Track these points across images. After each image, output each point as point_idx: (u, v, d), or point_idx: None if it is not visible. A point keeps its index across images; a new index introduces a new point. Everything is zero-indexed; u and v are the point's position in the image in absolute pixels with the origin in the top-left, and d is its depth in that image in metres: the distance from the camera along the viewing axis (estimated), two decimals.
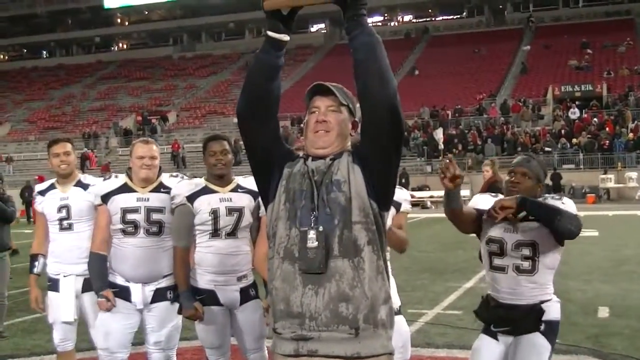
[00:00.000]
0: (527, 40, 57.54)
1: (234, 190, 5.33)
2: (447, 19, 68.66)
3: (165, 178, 5.53)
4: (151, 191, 5.40)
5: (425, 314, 9.83)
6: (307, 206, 3.10)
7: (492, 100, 46.30)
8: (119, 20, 78.48)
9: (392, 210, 4.80)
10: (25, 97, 66.69)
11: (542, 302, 4.62)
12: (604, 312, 9.86)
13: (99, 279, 5.40)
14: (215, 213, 5.21)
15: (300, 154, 3.32)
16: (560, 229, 4.36)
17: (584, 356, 7.57)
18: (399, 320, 4.87)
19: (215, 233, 5.24)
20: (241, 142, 3.45)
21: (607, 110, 40.84)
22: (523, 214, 4.44)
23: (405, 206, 5.19)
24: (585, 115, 40.52)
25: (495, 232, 4.62)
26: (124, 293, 5.36)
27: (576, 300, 10.70)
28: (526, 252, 4.55)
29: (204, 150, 5.36)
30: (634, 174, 33.88)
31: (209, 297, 5.25)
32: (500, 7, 65.68)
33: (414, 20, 69.04)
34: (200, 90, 62.00)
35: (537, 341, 4.56)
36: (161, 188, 5.43)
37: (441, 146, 39.49)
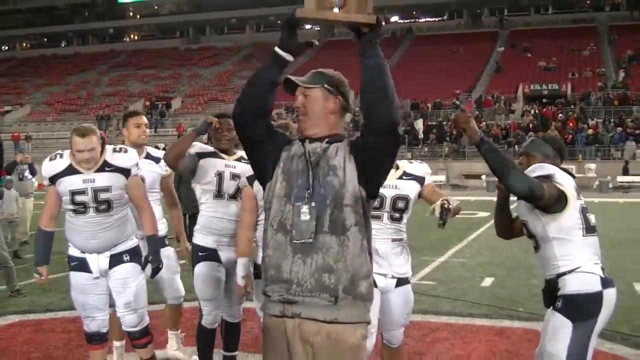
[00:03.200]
0: (501, 42, 57.54)
1: (238, 160, 5.41)
2: (430, 20, 68.58)
3: (109, 154, 5.12)
4: (96, 171, 5.04)
5: None
6: (302, 184, 3.12)
7: (468, 95, 46.37)
8: (131, 14, 78.09)
9: (417, 186, 4.96)
10: (44, 82, 66.42)
11: (560, 275, 4.08)
12: None
13: (40, 254, 5.26)
14: (220, 176, 5.31)
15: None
16: (506, 183, 4.03)
17: (541, 322, 7.62)
18: (408, 289, 5.06)
19: (219, 194, 5.33)
20: None
21: (571, 107, 40.90)
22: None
23: (429, 179, 5.07)
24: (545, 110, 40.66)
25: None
26: (81, 265, 5.17)
27: (539, 275, 10.68)
28: (526, 231, 4.30)
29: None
30: (592, 165, 34.10)
31: (212, 254, 5.35)
32: (478, 11, 65.61)
33: (400, 21, 68.84)
34: (203, 79, 61.83)
35: (552, 318, 4.07)
36: (106, 167, 5.07)
37: (421, 135, 39.62)
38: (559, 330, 4.01)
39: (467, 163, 37.30)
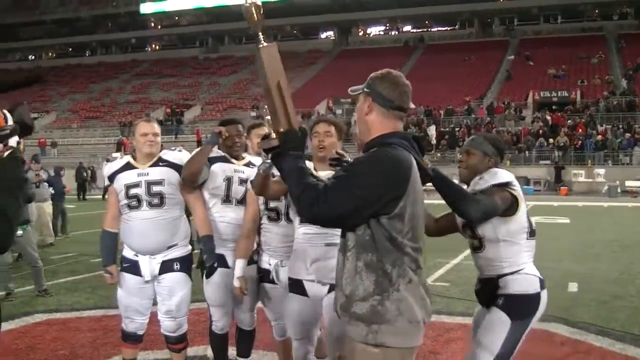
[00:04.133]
0: (511, 51, 57.36)
1: (247, 165, 5.34)
2: (442, 29, 68.40)
3: (165, 153, 5.27)
4: (150, 166, 5.17)
5: None
6: None
7: (479, 102, 46.17)
8: (152, 24, 78.38)
9: None
10: (69, 90, 66.82)
11: (501, 276, 4.14)
12: (573, 287, 9.93)
13: (106, 254, 5.24)
14: (229, 181, 5.23)
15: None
16: (458, 211, 4.00)
17: (556, 324, 7.61)
18: (543, 294, 4.27)
19: (227, 199, 5.24)
20: None
21: (579, 114, 40.71)
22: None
23: None
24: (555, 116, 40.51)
25: None
26: (133, 268, 5.16)
27: (549, 277, 10.63)
28: (469, 231, 4.24)
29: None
30: (601, 171, 33.88)
31: (220, 260, 5.18)
32: (489, 20, 65.43)
33: (412, 30, 68.73)
34: (222, 87, 61.96)
35: (492, 316, 4.13)
36: (160, 162, 5.19)
37: (433, 141, 39.50)
38: (497, 326, 4.09)
39: None
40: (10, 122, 2.73)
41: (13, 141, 2.71)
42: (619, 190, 31.03)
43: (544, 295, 4.20)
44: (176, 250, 5.22)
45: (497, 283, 4.15)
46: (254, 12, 3.04)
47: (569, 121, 39.40)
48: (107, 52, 78.71)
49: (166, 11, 73.65)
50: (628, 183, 32.51)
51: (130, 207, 5.10)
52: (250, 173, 5.05)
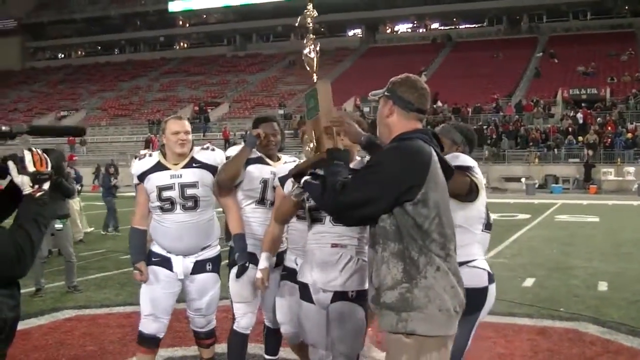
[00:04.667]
0: (540, 48, 56.93)
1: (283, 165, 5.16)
2: (470, 27, 67.97)
3: (197, 152, 5.12)
4: (184, 167, 5.01)
5: None
6: None
7: (507, 100, 45.92)
8: (180, 23, 78.72)
9: None
10: (98, 88, 67.45)
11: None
12: (603, 286, 9.84)
13: (136, 252, 5.11)
14: (265, 183, 5.06)
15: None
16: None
17: (585, 323, 7.56)
18: (350, 308, 4.12)
19: (261, 201, 5.10)
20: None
21: (609, 111, 40.29)
22: None
23: None
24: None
25: None
26: (165, 262, 5.06)
27: (579, 276, 10.67)
28: None
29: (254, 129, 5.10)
30: (631, 169, 33.59)
31: (252, 259, 4.93)
32: (517, 17, 64.95)
33: (440, 28, 68.48)
34: (250, 85, 62.15)
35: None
36: (193, 163, 5.04)
37: None
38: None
39: (507, 166, 37.00)
40: (50, 167, 2.85)
41: (46, 185, 2.84)
42: None
43: (492, 288, 4.24)
44: (209, 251, 5.17)
45: None
46: (315, 63, 3.82)
47: (599, 119, 39.03)
48: (135, 50, 79.19)
49: (194, 9, 73.92)
50: None
51: (163, 209, 4.99)
52: (285, 171, 4.73)
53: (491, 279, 4.24)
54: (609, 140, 36.01)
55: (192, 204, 4.99)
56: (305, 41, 3.90)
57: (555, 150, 36.81)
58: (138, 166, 5.10)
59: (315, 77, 3.75)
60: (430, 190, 3.06)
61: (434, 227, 3.07)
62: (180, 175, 4.99)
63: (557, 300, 8.90)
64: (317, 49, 3.85)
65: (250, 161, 5.04)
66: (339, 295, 4.13)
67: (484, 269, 4.21)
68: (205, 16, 77.06)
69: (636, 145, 35.56)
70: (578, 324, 7.54)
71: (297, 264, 4.75)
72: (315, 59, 3.82)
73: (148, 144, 42.23)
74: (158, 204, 4.99)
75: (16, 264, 2.67)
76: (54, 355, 6.56)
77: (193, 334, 5.42)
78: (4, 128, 2.86)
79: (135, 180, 5.11)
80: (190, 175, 5.00)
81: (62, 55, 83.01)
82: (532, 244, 14.46)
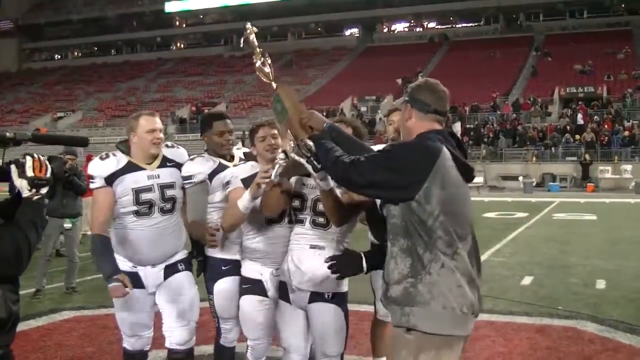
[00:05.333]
0: (536, 46, 56.94)
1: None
2: (467, 26, 67.90)
3: (165, 150, 4.78)
4: (159, 167, 4.67)
5: None
6: None
7: (505, 98, 45.92)
8: (177, 23, 78.66)
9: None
10: (95, 89, 67.39)
11: None
12: (601, 284, 9.85)
13: (111, 262, 4.44)
14: (229, 185, 4.65)
15: None
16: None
17: (584, 321, 7.58)
18: (329, 308, 4.16)
19: None
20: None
21: (606, 110, 40.31)
22: None
23: None
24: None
25: None
26: (133, 280, 4.48)
27: (577, 274, 10.68)
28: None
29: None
30: (628, 167, 33.62)
31: (236, 268, 4.65)
32: (514, 16, 64.95)
33: (437, 27, 68.40)
34: (247, 85, 62.07)
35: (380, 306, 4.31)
36: (167, 162, 4.73)
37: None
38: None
39: (504, 165, 37.00)
40: (49, 174, 2.99)
41: (44, 190, 2.98)
42: None
43: None
44: (178, 255, 4.85)
45: None
46: (270, 72, 4.03)
47: (596, 117, 39.06)
48: (132, 51, 79.12)
49: (191, 10, 73.88)
50: None
51: (139, 214, 4.59)
52: (245, 173, 4.51)
53: None
54: (606, 138, 36.04)
55: (170, 206, 4.71)
56: (254, 57, 4.06)
57: (553, 148, 36.81)
58: (104, 166, 4.61)
59: (274, 84, 3.93)
60: (435, 187, 3.08)
61: (438, 225, 3.09)
62: (158, 176, 4.67)
63: (556, 298, 8.92)
64: (268, 60, 4.04)
65: (212, 174, 4.73)
66: (315, 296, 4.16)
67: None
68: (202, 16, 76.99)
69: (633, 143, 35.58)
70: (576, 322, 7.56)
71: (261, 275, 4.51)
72: (270, 70, 4.01)
73: None
74: (134, 208, 4.59)
75: (14, 263, 2.80)
76: (52, 357, 6.57)
77: (168, 353, 4.84)
78: (8, 135, 2.99)
79: (99, 183, 4.59)
80: (167, 175, 4.72)
81: (59, 56, 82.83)
82: (531, 242, 14.48)
